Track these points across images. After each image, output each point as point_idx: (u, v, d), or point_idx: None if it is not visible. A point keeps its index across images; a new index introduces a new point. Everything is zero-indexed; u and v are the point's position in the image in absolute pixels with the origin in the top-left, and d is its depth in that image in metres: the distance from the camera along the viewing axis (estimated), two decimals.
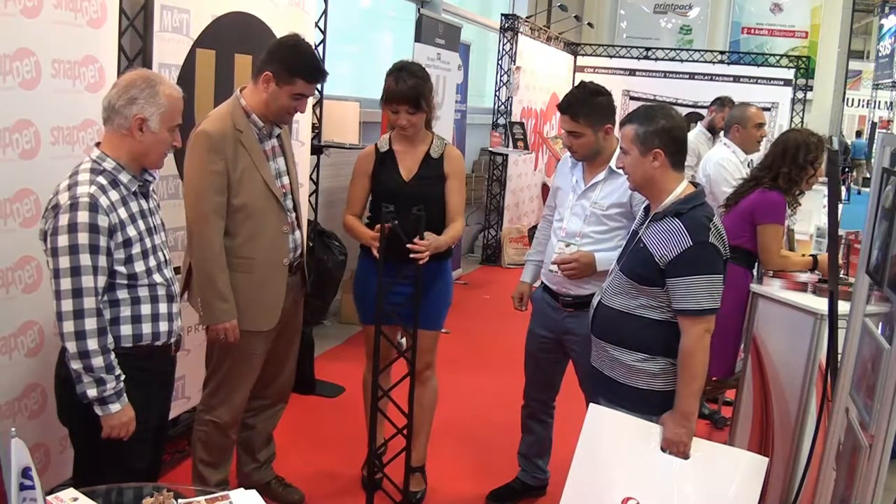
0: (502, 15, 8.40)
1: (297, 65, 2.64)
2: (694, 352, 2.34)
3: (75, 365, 2.07)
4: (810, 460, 2.70)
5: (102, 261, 2.07)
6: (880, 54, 15.32)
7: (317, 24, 4.35)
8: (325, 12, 4.43)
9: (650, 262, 2.38)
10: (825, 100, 11.43)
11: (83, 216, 2.03)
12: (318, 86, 4.48)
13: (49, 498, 1.77)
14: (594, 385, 2.64)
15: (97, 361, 2.06)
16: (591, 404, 2.55)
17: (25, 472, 1.50)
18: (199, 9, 3.27)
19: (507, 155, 8.20)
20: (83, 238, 2.03)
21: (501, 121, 8.24)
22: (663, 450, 2.39)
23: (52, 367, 2.75)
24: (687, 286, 2.32)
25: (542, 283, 3.13)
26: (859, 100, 17.86)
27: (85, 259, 2.03)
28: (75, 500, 1.83)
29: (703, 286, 2.32)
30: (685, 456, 2.38)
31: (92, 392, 2.08)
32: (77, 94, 2.73)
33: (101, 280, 2.08)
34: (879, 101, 17.36)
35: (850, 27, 12.10)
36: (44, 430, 2.73)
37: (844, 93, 12.74)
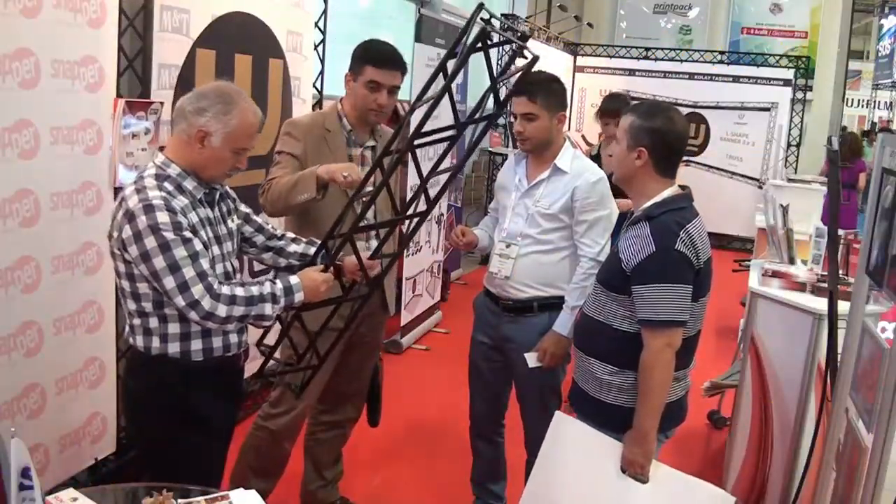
0: (502, 15, 8.39)
1: (365, 54, 2.72)
2: (653, 367, 2.16)
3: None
4: (810, 460, 2.70)
5: (195, 246, 2.01)
6: (880, 54, 15.31)
7: (317, 24, 4.35)
8: (324, 12, 4.43)
9: (618, 267, 2.24)
10: (825, 100, 11.41)
11: (163, 216, 1.97)
12: (317, 84, 4.48)
13: (48, 498, 1.77)
14: (573, 399, 2.49)
15: (239, 310, 2.05)
16: (556, 412, 2.47)
17: (25, 472, 1.50)
18: (199, 9, 3.27)
19: (507, 155, 8.20)
20: (169, 235, 1.97)
21: (501, 121, 8.23)
22: (623, 470, 2.24)
23: (52, 367, 2.76)
24: (648, 294, 2.15)
25: (485, 287, 3.03)
26: (859, 100, 17.84)
27: (179, 252, 1.98)
28: (75, 500, 1.83)
29: (664, 295, 2.14)
30: (643, 478, 2.21)
31: (271, 310, 2.10)
32: (76, 94, 2.73)
33: (204, 262, 2.02)
34: (879, 101, 17.35)
35: (849, 27, 12.08)
36: (43, 430, 2.73)
37: (844, 93, 12.72)
